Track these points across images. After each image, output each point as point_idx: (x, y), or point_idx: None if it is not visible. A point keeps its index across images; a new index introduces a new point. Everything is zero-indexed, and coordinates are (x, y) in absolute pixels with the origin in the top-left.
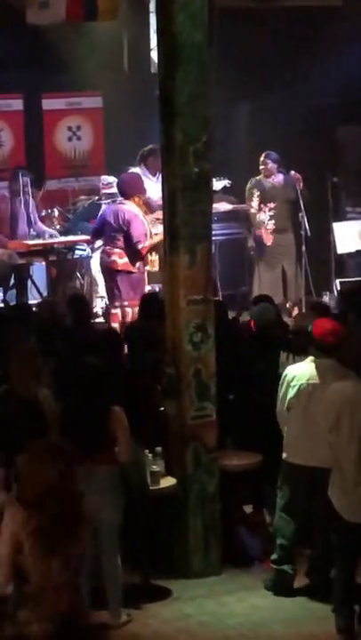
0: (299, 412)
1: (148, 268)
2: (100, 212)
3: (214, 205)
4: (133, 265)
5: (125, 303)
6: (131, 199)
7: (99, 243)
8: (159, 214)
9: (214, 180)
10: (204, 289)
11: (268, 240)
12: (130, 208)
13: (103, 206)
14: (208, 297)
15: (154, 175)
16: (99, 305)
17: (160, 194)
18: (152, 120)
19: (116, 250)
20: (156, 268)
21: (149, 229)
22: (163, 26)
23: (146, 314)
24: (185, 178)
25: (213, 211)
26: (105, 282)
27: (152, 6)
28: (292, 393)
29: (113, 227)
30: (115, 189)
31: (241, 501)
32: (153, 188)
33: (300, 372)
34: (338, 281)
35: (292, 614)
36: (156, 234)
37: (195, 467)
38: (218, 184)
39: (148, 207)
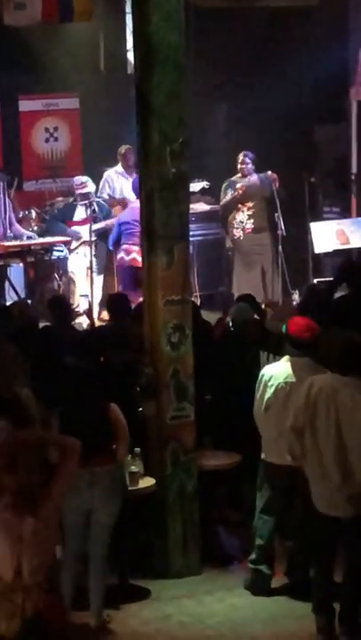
0: (276, 411)
1: None
2: (116, 219)
3: (192, 206)
4: (137, 260)
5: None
6: None
7: (75, 244)
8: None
9: (193, 181)
10: (181, 289)
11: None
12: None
13: (115, 212)
14: (186, 297)
15: (131, 175)
16: (82, 305)
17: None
18: (129, 121)
19: (135, 247)
20: None
21: None
22: (138, 26)
23: (116, 314)
24: (162, 178)
25: (191, 211)
26: (121, 281)
27: (128, 7)
28: (269, 393)
29: (131, 224)
30: (89, 188)
31: (220, 501)
32: (130, 187)
33: (276, 371)
34: (315, 281)
35: (271, 614)
36: None
37: (173, 467)
38: (196, 185)
39: (125, 207)
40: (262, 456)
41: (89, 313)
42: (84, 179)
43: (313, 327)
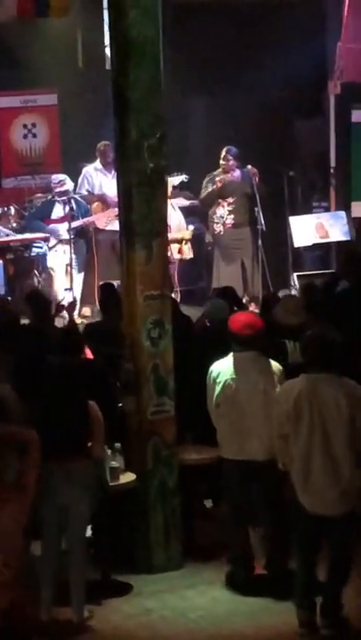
0: (227, 407)
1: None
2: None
3: (172, 201)
4: None
5: None
6: None
7: (53, 241)
8: (115, 210)
9: (172, 175)
10: (160, 284)
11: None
12: None
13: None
14: (165, 292)
15: (109, 172)
16: (67, 299)
17: (116, 190)
18: (108, 116)
19: None
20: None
21: (173, 219)
22: (115, 21)
23: (104, 307)
24: (140, 173)
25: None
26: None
27: (105, 2)
28: (217, 390)
29: None
30: (67, 186)
31: (201, 496)
32: (109, 183)
33: (223, 367)
34: (295, 275)
35: (253, 607)
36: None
37: (154, 462)
38: (175, 179)
39: (105, 203)
40: (220, 453)
41: (69, 308)
42: (62, 177)
43: (254, 323)
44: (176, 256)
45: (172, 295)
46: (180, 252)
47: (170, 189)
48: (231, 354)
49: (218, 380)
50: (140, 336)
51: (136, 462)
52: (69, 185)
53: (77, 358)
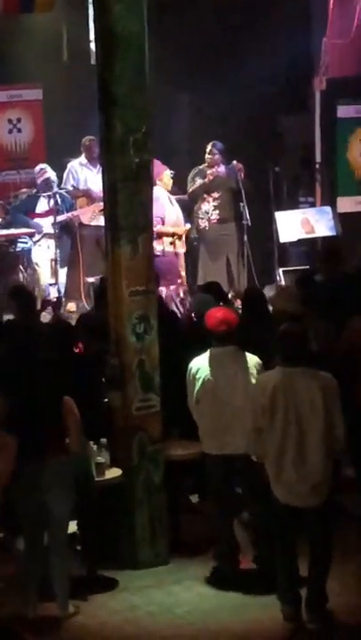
0: (207, 403)
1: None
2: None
3: (168, 195)
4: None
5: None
6: (156, 184)
7: (37, 236)
8: (100, 205)
9: None
10: (146, 280)
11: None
12: (156, 193)
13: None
14: (151, 288)
15: (95, 167)
16: (53, 294)
17: (101, 185)
18: (93, 111)
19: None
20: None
21: (172, 212)
22: (100, 16)
23: (96, 302)
24: (125, 168)
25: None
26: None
27: None
28: (197, 386)
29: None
30: (49, 174)
31: (187, 491)
32: (94, 178)
33: (202, 363)
34: (281, 270)
35: (239, 602)
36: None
37: (140, 458)
38: None
39: (90, 198)
40: (203, 448)
41: (55, 304)
42: (43, 165)
43: (229, 319)
44: (168, 249)
45: (183, 287)
46: (172, 244)
47: (170, 185)
48: (209, 350)
49: (198, 376)
50: (125, 331)
51: (122, 458)
52: (51, 173)
53: (58, 354)
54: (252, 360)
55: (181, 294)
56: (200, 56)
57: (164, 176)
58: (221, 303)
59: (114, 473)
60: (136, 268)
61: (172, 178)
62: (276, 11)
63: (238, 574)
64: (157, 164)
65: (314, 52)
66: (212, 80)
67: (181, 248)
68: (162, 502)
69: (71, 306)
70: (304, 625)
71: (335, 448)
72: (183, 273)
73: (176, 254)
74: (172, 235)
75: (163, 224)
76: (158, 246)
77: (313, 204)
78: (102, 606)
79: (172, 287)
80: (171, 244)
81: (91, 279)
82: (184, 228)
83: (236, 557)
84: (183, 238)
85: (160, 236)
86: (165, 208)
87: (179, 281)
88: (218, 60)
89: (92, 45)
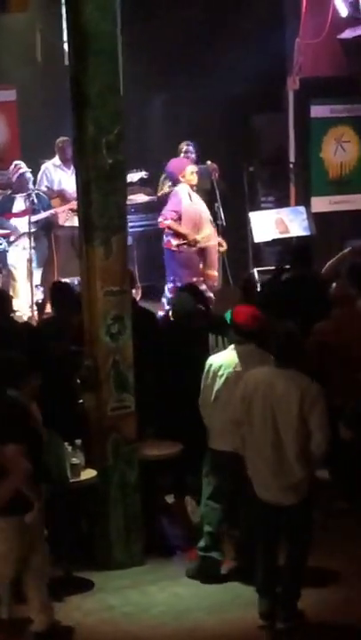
0: (225, 400)
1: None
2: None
3: (131, 197)
4: (170, 243)
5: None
6: (179, 182)
7: (13, 237)
8: (74, 204)
9: (131, 171)
10: (120, 280)
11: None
12: (175, 188)
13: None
14: (125, 288)
15: (68, 168)
16: (38, 295)
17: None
18: (68, 112)
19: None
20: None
21: (191, 208)
22: (72, 17)
23: (56, 303)
24: (98, 169)
25: (131, 202)
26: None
27: None
28: (219, 383)
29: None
30: (24, 169)
31: (162, 491)
32: (68, 179)
33: (225, 360)
34: (255, 270)
35: (215, 601)
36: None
37: (115, 458)
38: (134, 176)
39: (64, 199)
40: (210, 444)
41: (42, 306)
42: (17, 161)
43: (258, 316)
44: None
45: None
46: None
47: (194, 180)
48: (232, 347)
49: (220, 374)
50: (99, 332)
51: (96, 459)
52: (25, 169)
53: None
54: (271, 359)
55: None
56: (173, 56)
57: (186, 172)
58: (200, 305)
59: (89, 474)
60: (110, 269)
61: (146, 178)
62: (249, 11)
63: (219, 571)
64: (181, 161)
65: (287, 51)
66: (185, 80)
67: (207, 241)
68: (137, 503)
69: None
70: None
71: (314, 453)
72: (210, 270)
73: (201, 250)
74: (187, 238)
75: (179, 219)
76: (174, 241)
77: (287, 204)
78: (78, 607)
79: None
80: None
81: (66, 280)
82: (202, 235)
83: (221, 552)
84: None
85: (176, 232)
86: (183, 204)
87: (194, 279)
88: (191, 60)
89: (66, 46)
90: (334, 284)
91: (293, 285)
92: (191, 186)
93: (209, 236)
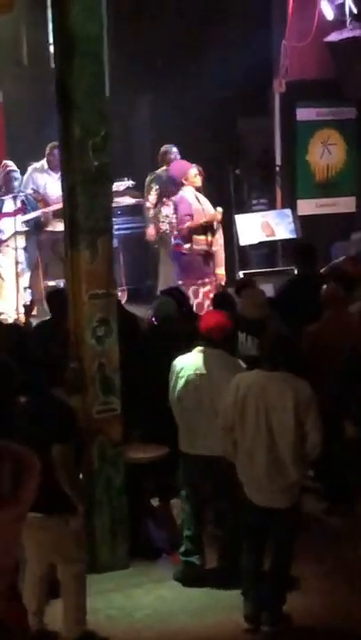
0: (188, 403)
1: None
2: None
3: (117, 200)
4: (182, 247)
5: (180, 283)
6: (183, 184)
7: (6, 235)
8: (57, 207)
9: (118, 180)
10: (106, 283)
11: (151, 237)
12: (180, 192)
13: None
14: (110, 291)
15: (55, 172)
16: (26, 298)
17: (60, 190)
18: (53, 114)
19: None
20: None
21: (200, 208)
22: (58, 19)
23: (49, 307)
24: (84, 172)
25: (116, 205)
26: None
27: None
28: (180, 384)
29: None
30: (10, 167)
31: (148, 494)
32: (53, 184)
33: (187, 362)
34: (241, 273)
35: (200, 605)
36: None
37: (100, 461)
38: (121, 185)
39: (45, 203)
40: (180, 447)
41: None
42: (6, 161)
43: (224, 324)
44: (198, 247)
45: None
46: (207, 243)
47: (197, 181)
48: (197, 349)
49: (180, 375)
50: (85, 335)
51: (82, 461)
52: (14, 167)
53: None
54: (237, 364)
55: (200, 295)
56: (160, 58)
57: (189, 175)
58: (184, 308)
59: None
60: (96, 272)
61: (132, 187)
62: (235, 14)
63: (203, 574)
64: (182, 164)
65: (273, 54)
66: (172, 83)
67: (215, 246)
68: (122, 506)
69: (35, 309)
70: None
71: (310, 454)
72: (218, 270)
73: (207, 253)
74: (205, 228)
75: (192, 221)
76: (186, 245)
77: (273, 207)
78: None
79: (192, 287)
80: (206, 242)
81: (51, 282)
82: (211, 213)
83: (202, 557)
84: (220, 232)
85: (191, 233)
86: (193, 206)
87: (199, 281)
88: (178, 62)
89: (52, 48)
90: (325, 286)
91: (297, 286)
92: (196, 188)
93: (217, 238)
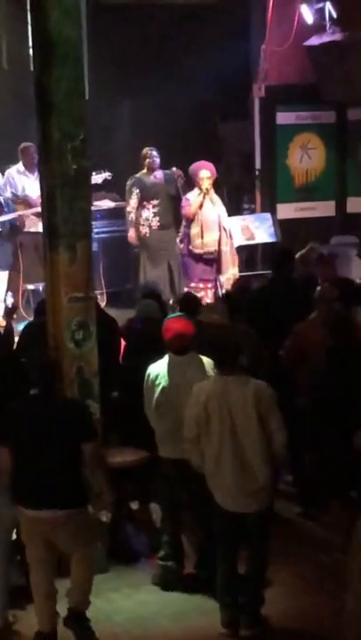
0: (166, 408)
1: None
2: None
3: (97, 203)
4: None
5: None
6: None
7: None
8: (39, 209)
9: (94, 173)
10: (85, 286)
11: (133, 240)
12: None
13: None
14: (89, 294)
15: (32, 173)
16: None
17: (39, 191)
18: (33, 118)
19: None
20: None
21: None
22: (37, 22)
23: (36, 310)
24: (63, 175)
25: (97, 208)
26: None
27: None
28: (157, 391)
29: None
30: None
31: (127, 498)
32: (32, 185)
33: (162, 370)
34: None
35: (179, 609)
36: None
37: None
38: (98, 177)
39: (28, 206)
40: (159, 452)
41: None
42: None
43: (185, 332)
44: (197, 250)
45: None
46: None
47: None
48: (168, 355)
49: (157, 382)
50: (64, 338)
51: None
52: None
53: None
54: (209, 363)
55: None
56: (140, 62)
57: (198, 176)
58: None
59: None
60: (75, 275)
61: (110, 180)
62: (215, 18)
63: (182, 579)
64: (200, 162)
65: (253, 58)
66: (151, 86)
67: (208, 248)
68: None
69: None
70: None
71: (276, 456)
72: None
73: (199, 256)
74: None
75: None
76: (181, 244)
77: (253, 211)
78: None
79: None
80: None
81: (30, 286)
82: (206, 240)
83: (181, 561)
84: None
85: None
86: (191, 209)
87: (192, 285)
88: (158, 66)
89: (32, 51)
90: (319, 287)
91: (272, 288)
92: (201, 190)
93: (214, 242)
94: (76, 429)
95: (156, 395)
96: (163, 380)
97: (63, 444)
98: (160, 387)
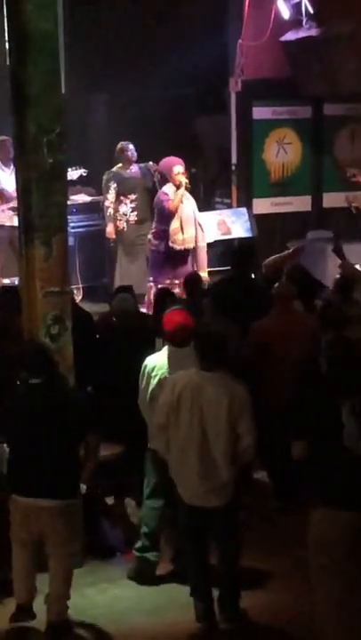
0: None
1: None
2: None
3: (73, 197)
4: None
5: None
6: (166, 182)
7: None
8: (14, 204)
9: (70, 169)
10: (60, 281)
11: (111, 234)
12: (163, 188)
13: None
14: (65, 289)
15: (9, 167)
16: None
17: (15, 185)
18: (8, 111)
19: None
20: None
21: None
22: (12, 15)
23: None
24: (39, 169)
25: (73, 202)
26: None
27: None
28: (153, 384)
29: None
30: None
31: (102, 493)
32: (7, 179)
33: (159, 362)
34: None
35: (154, 604)
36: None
37: None
38: (74, 173)
39: (3, 199)
40: (149, 444)
41: None
42: None
43: (187, 324)
44: (176, 247)
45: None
46: (178, 241)
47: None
48: (167, 348)
49: (153, 374)
50: (39, 333)
51: None
52: None
53: None
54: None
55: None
56: (117, 56)
57: (172, 171)
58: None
59: None
60: (50, 270)
61: (85, 175)
62: (191, 12)
63: (157, 572)
64: (171, 158)
65: (229, 53)
66: (128, 81)
67: (188, 244)
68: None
69: None
70: (217, 625)
71: (241, 457)
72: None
73: (175, 252)
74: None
75: (169, 218)
76: (155, 241)
77: (229, 206)
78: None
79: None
80: (183, 241)
81: (6, 280)
82: (185, 236)
83: (157, 554)
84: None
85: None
86: (165, 204)
87: (167, 281)
88: (134, 60)
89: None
90: (277, 284)
91: (227, 286)
92: (177, 186)
93: (192, 238)
94: (82, 420)
95: (152, 386)
96: (160, 372)
97: (65, 433)
98: (157, 378)
